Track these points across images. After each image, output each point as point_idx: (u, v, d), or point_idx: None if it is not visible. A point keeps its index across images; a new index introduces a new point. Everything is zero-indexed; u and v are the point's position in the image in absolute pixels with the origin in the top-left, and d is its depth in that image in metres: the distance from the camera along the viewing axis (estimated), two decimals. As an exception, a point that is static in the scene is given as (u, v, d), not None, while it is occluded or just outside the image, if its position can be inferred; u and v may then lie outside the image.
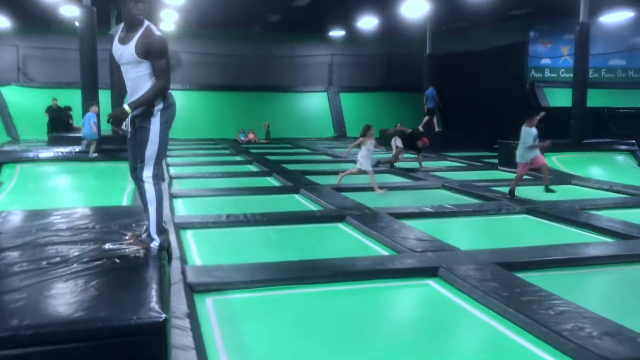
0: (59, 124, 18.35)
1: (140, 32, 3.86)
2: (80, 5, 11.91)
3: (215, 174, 11.65)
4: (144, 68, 3.87)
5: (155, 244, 4.00)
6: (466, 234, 7.17)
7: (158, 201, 4.00)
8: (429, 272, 5.12)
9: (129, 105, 3.85)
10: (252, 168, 13.20)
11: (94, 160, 10.98)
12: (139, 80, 3.89)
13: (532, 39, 20.20)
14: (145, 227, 4.24)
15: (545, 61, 20.38)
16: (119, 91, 4.42)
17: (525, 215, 7.97)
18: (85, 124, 11.66)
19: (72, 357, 2.43)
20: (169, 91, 4.03)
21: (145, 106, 3.93)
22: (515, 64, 20.32)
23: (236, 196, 9.09)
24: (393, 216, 7.36)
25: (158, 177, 4.03)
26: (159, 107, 3.99)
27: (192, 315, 3.80)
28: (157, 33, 3.87)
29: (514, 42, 20.39)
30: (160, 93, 3.94)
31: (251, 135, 21.61)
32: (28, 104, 21.45)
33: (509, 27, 20.38)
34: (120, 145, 12.02)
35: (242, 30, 23.97)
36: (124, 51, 3.90)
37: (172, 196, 8.84)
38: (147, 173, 3.99)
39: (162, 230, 4.07)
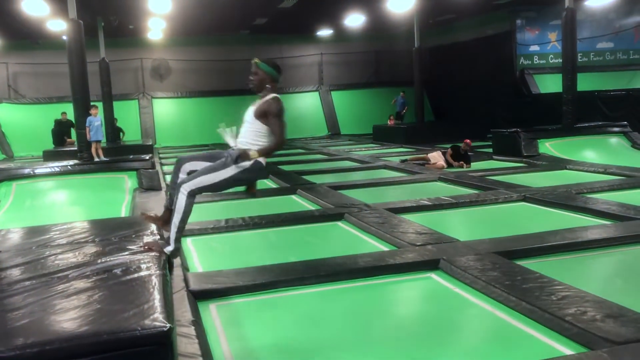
0: (60, 138, 18.45)
1: (263, 99, 4.17)
2: (67, 19, 11.89)
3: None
4: (258, 126, 4.16)
5: (168, 248, 4.07)
6: (465, 225, 7.20)
7: (184, 215, 4.07)
8: (430, 265, 5.15)
9: (257, 151, 4.11)
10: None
11: (91, 171, 10.97)
12: (252, 134, 4.18)
13: (519, 26, 20.25)
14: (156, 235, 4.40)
15: (534, 48, 20.44)
16: None
17: (523, 203, 8.01)
18: (92, 127, 11.71)
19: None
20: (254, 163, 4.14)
21: (265, 155, 4.19)
22: (504, 52, 20.38)
23: (234, 200, 9.09)
24: (391, 211, 7.38)
25: (193, 196, 4.08)
26: (255, 162, 4.13)
27: (197, 322, 3.81)
28: (274, 98, 4.15)
29: (502, 31, 20.45)
30: (278, 148, 4.27)
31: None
32: (21, 120, 21.44)
33: (496, 17, 20.43)
34: (121, 157, 12.10)
35: (229, 35, 23.98)
36: (248, 110, 4.29)
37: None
38: (189, 188, 4.04)
39: (178, 240, 4.14)
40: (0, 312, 2.97)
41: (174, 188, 4.24)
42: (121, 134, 19.87)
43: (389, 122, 21.12)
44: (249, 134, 4.18)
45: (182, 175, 4.23)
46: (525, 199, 8.08)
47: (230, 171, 4.07)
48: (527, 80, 19.85)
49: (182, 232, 4.16)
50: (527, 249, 5.44)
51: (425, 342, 3.71)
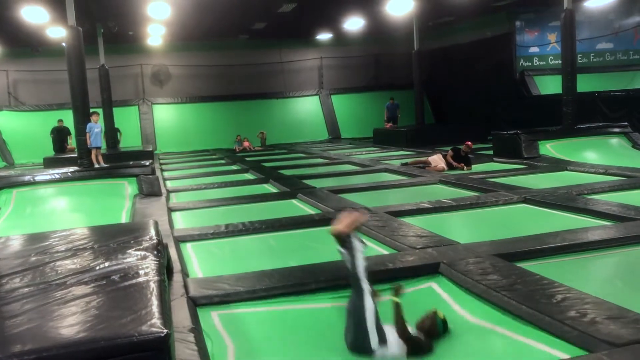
0: (59, 145, 18.46)
1: None
2: (66, 26, 11.92)
3: (212, 184, 11.66)
4: None
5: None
6: (465, 228, 7.19)
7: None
8: (430, 268, 5.13)
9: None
10: (249, 176, 13.21)
11: (91, 178, 10.98)
12: None
13: (519, 28, 20.26)
14: None
15: (534, 49, 20.44)
16: None
17: (523, 205, 7.99)
18: (92, 134, 11.73)
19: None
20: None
21: None
22: (504, 54, 20.39)
23: (234, 205, 9.09)
24: (391, 214, 7.38)
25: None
26: None
27: (196, 328, 3.80)
28: None
29: (501, 33, 20.47)
30: None
31: (246, 144, 21.64)
32: (21, 127, 21.47)
33: (495, 19, 20.44)
34: (121, 163, 12.09)
35: (229, 40, 24.02)
36: None
37: (170, 210, 8.85)
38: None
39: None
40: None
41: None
42: (119, 134, 19.86)
43: (385, 126, 21.37)
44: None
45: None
46: (525, 201, 8.07)
47: (371, 327, 3.52)
48: (527, 81, 19.85)
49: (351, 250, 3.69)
50: (527, 251, 5.43)
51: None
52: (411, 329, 3.67)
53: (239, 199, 9.68)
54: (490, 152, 14.30)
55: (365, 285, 3.57)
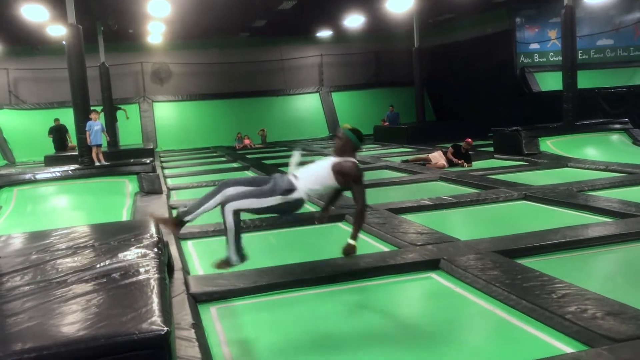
0: (59, 143, 18.44)
1: (344, 159, 4.27)
2: (66, 24, 11.91)
3: (213, 182, 11.65)
4: (328, 179, 4.28)
5: (235, 260, 4.23)
6: (466, 224, 7.19)
7: (236, 230, 4.14)
8: (431, 265, 5.14)
9: (353, 238, 4.27)
10: (249, 174, 13.22)
11: (92, 176, 10.98)
12: (319, 180, 4.28)
13: (519, 25, 20.22)
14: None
15: (534, 46, 20.41)
16: None
17: (524, 201, 7.99)
18: (92, 132, 11.73)
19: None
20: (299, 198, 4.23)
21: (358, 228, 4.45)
22: (504, 51, 20.36)
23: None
24: (392, 211, 7.38)
25: (238, 215, 4.16)
26: (299, 197, 4.21)
27: (197, 325, 3.81)
28: (355, 164, 4.28)
29: (501, 30, 20.44)
30: (364, 214, 4.52)
31: (247, 141, 21.63)
32: (22, 126, 21.47)
33: (495, 15, 20.41)
34: (122, 161, 12.09)
35: (229, 38, 24.00)
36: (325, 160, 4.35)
37: (171, 207, 8.86)
38: (234, 207, 4.11)
39: (240, 250, 4.23)
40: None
41: (202, 203, 4.30)
42: (125, 113, 19.77)
43: (382, 124, 21.56)
44: (315, 178, 4.25)
45: (220, 197, 4.25)
46: (526, 198, 8.07)
47: (275, 200, 4.14)
48: (528, 78, 19.83)
49: (240, 243, 4.22)
50: (527, 248, 5.43)
51: (426, 342, 3.70)
52: (321, 163, 4.33)
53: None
54: (491, 149, 14.30)
55: (218, 198, 4.24)
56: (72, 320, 2.78)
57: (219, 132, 23.15)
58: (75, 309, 2.96)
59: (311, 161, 4.46)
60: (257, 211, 4.19)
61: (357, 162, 4.32)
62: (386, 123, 21.77)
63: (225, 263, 4.25)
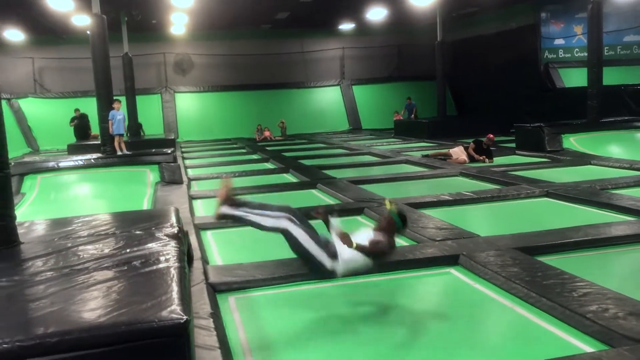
0: (83, 131, 18.69)
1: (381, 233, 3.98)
2: (91, 14, 12.02)
3: (233, 173, 11.71)
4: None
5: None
6: (486, 220, 7.13)
7: (254, 225, 4.04)
8: (450, 260, 5.11)
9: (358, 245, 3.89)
10: (269, 165, 13.25)
11: (114, 165, 11.09)
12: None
13: (544, 19, 19.96)
14: None
15: (559, 41, 20.13)
16: None
17: (545, 198, 7.90)
18: (115, 121, 11.86)
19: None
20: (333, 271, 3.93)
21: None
22: (528, 46, 20.11)
23: (254, 194, 9.12)
24: (411, 206, 7.34)
25: (279, 232, 4.02)
26: (332, 263, 3.89)
27: (216, 315, 3.84)
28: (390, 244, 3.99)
29: (526, 24, 20.18)
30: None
31: (267, 133, 21.68)
32: (46, 114, 21.77)
33: (519, 10, 20.16)
34: (144, 151, 12.19)
35: (251, 30, 24.04)
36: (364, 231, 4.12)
37: (192, 198, 8.91)
38: (287, 228, 3.96)
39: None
40: (22, 302, 3.02)
41: (261, 214, 4.06)
42: (142, 132, 19.96)
43: (395, 118, 21.53)
44: (352, 256, 3.89)
45: (278, 225, 4.01)
46: (547, 195, 7.98)
47: (319, 252, 3.87)
48: (552, 74, 19.58)
49: (241, 220, 4.11)
50: (548, 245, 5.38)
51: (444, 339, 3.68)
52: (361, 235, 3.92)
53: (259, 187, 9.72)
54: (513, 144, 14.14)
55: (283, 222, 3.95)
56: (93, 306, 2.82)
57: (239, 123, 23.24)
58: (96, 295, 2.99)
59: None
60: (298, 246, 3.92)
61: (394, 244, 4.06)
62: (399, 116, 21.70)
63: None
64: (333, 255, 3.83)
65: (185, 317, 2.57)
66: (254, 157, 15.36)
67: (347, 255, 3.80)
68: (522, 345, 3.55)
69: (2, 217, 4.29)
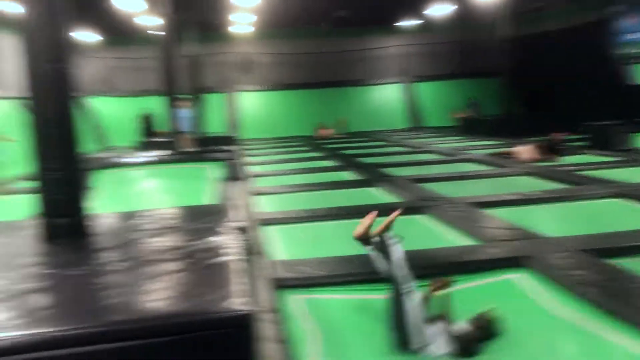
0: (148, 129, 19.32)
1: None
2: (159, 15, 12.38)
3: (293, 170, 11.80)
4: None
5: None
6: (552, 221, 6.90)
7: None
8: (514, 262, 4.96)
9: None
10: (329, 163, 13.27)
11: (178, 161, 11.40)
12: None
13: (616, 14, 19.11)
14: None
15: (633, 36, 19.23)
16: None
17: (617, 199, 7.57)
18: (181, 119, 12.20)
19: (161, 351, 2.53)
20: None
21: None
22: (599, 41, 19.31)
23: (314, 191, 9.17)
24: (474, 205, 7.20)
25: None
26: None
27: (278, 309, 3.87)
28: None
29: (596, 19, 19.39)
30: None
31: (327, 131, 21.73)
32: (115, 112, 22.60)
33: (590, 3, 19.38)
34: (207, 148, 12.49)
35: (313, 28, 24.15)
36: None
37: (253, 194, 9.04)
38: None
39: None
40: (93, 290, 3.14)
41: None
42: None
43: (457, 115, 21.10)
44: None
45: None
46: (619, 196, 7.64)
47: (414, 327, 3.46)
48: (625, 70, 18.74)
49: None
50: (620, 248, 5.15)
51: (505, 347, 3.56)
52: (462, 325, 3.55)
53: (319, 185, 9.75)
54: (583, 143, 13.63)
55: (405, 287, 3.52)
56: (160, 296, 2.89)
57: (300, 121, 23.42)
58: (162, 286, 3.07)
59: None
60: (399, 313, 3.49)
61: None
62: (462, 114, 21.29)
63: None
64: (423, 340, 3.42)
65: (249, 309, 2.60)
66: (314, 154, 15.42)
67: (438, 346, 3.43)
68: (593, 358, 3.39)
69: (75, 211, 4.47)
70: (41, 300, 3.03)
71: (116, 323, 2.59)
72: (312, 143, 18.82)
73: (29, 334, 2.52)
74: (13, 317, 2.71)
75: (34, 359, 2.50)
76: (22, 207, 7.24)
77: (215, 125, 21.61)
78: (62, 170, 4.37)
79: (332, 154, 14.39)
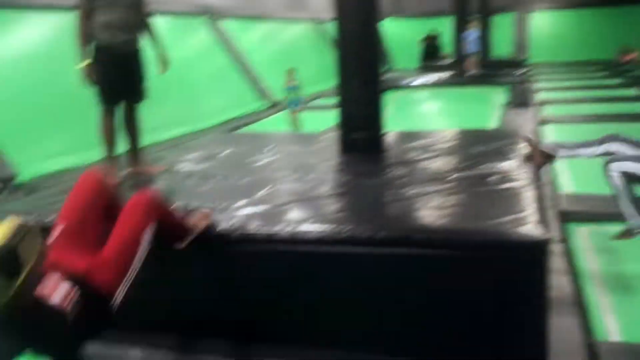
0: (430, 53, 19.44)
1: None
2: None
3: (587, 98, 10.79)
4: None
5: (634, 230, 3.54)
6: None
7: (624, 192, 3.49)
8: None
9: None
10: (630, 92, 11.78)
11: (464, 84, 11.31)
12: None
13: None
14: None
15: None
16: None
17: None
18: (469, 41, 12.07)
19: (452, 264, 2.64)
20: None
21: None
22: None
23: (610, 123, 8.29)
24: None
25: (624, 177, 3.49)
26: None
27: (565, 241, 3.71)
28: None
29: None
30: None
31: (631, 55, 19.17)
32: (401, 35, 23.08)
33: None
34: (493, 71, 12.13)
35: None
36: None
37: (542, 122, 8.58)
38: (617, 168, 3.51)
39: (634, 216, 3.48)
40: (386, 200, 3.38)
41: (581, 146, 3.81)
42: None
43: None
44: None
45: (602, 149, 3.69)
46: None
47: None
48: None
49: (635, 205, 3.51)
50: None
51: None
52: None
53: (616, 117, 8.77)
54: None
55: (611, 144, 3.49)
56: (452, 212, 2.99)
57: (597, 44, 21.03)
58: (453, 203, 3.15)
59: None
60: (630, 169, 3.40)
61: None
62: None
63: (627, 233, 3.58)
64: None
65: (546, 236, 2.55)
66: (612, 82, 13.81)
67: None
68: None
69: (371, 126, 4.79)
70: (338, 203, 3.39)
71: (412, 230, 2.77)
72: (611, 69, 16.84)
73: (331, 230, 2.85)
74: (313, 215, 3.08)
75: (334, 252, 2.82)
76: (322, 121, 8.03)
77: (502, 47, 20.66)
78: (362, 87, 4.69)
79: (635, 82, 12.71)
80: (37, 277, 2.17)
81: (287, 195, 3.49)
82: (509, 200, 3.11)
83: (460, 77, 11.67)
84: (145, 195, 2.70)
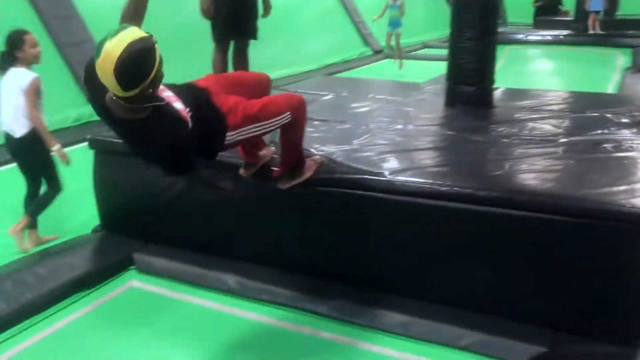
0: (548, 8, 18.21)
1: None
2: None
3: None
4: None
5: None
6: None
7: None
8: None
9: None
10: None
11: (583, 43, 10.60)
12: None
13: None
14: None
15: None
16: None
17: None
18: None
19: (555, 230, 2.56)
20: None
21: None
22: None
23: None
24: None
25: None
26: None
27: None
28: None
29: None
30: None
31: None
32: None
33: None
34: (617, 31, 11.23)
35: None
36: None
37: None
38: None
39: None
40: (488, 158, 3.29)
41: None
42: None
43: None
44: None
45: None
46: None
47: None
48: None
49: None
50: None
51: None
52: None
53: None
54: None
55: None
56: (558, 176, 2.88)
57: None
58: (562, 168, 3.03)
59: None
60: None
61: None
62: None
63: None
64: None
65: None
66: None
67: None
68: None
69: (481, 80, 4.64)
70: (438, 157, 3.34)
71: (516, 192, 2.69)
72: None
73: (431, 184, 2.82)
74: (411, 167, 3.04)
75: (432, 205, 2.80)
76: (426, 71, 7.86)
77: (630, 6, 19.05)
78: (476, 39, 4.51)
79: None
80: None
81: (388, 145, 3.47)
82: (622, 169, 2.94)
83: (579, 36, 10.92)
84: (301, 97, 2.79)
